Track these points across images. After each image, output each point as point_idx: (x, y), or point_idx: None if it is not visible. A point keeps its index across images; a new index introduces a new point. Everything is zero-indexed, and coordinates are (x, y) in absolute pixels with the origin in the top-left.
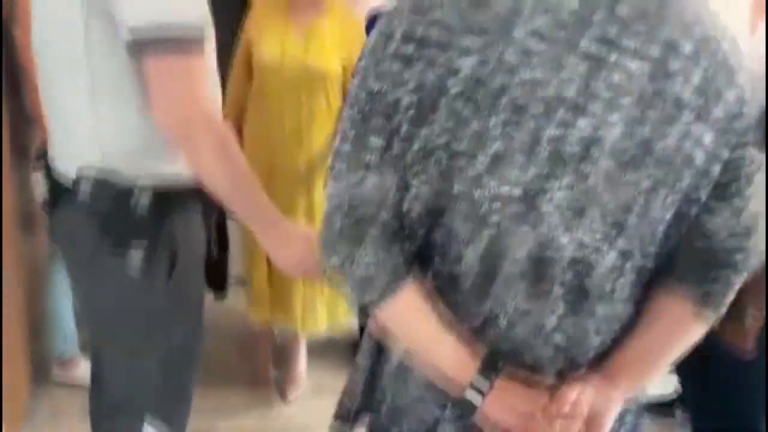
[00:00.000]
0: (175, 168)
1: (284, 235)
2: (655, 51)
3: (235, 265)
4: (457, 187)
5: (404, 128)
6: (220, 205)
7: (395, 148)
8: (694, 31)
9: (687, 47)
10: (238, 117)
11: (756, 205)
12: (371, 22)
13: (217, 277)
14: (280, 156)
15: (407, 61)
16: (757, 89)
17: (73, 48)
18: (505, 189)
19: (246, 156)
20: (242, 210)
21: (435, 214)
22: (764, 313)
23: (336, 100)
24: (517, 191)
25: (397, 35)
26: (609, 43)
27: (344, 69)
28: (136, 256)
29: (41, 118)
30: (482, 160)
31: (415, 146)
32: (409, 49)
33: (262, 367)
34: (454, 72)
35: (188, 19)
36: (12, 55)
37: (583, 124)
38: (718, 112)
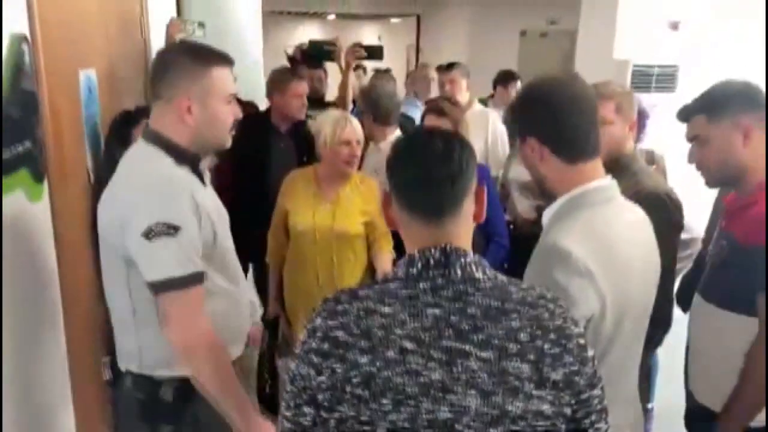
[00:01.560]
0: None
1: (258, 425)
2: (498, 341)
3: None
4: None
5: (326, 403)
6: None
7: (323, 414)
8: (530, 317)
9: (522, 334)
10: (278, 263)
11: None
12: None
13: (272, 405)
14: (317, 304)
15: (324, 355)
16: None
17: (120, 281)
18: None
19: (286, 301)
20: (228, 408)
21: None
22: None
23: (361, 252)
24: None
25: (318, 334)
26: (463, 338)
27: (366, 225)
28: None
29: None
30: (382, 426)
31: (336, 415)
32: (325, 346)
33: None
34: (355, 366)
35: (188, 269)
36: None
37: (451, 399)
38: (555, 376)
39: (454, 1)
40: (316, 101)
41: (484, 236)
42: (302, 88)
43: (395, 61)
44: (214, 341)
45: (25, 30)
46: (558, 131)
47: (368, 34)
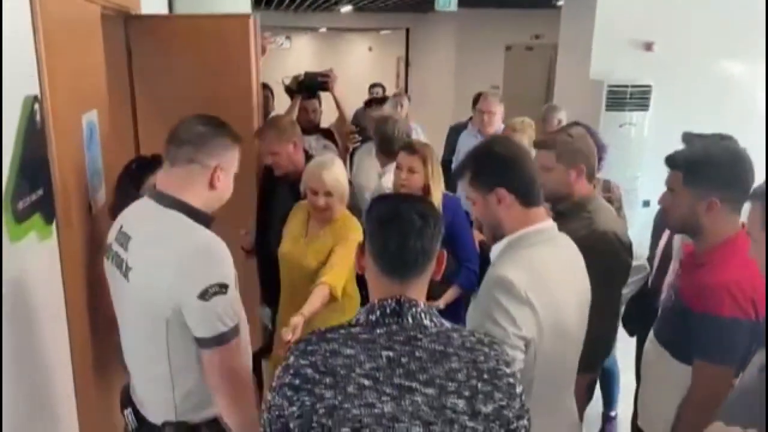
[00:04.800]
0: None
1: None
2: (440, 380)
3: None
4: None
5: (297, 430)
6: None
7: None
8: (467, 360)
9: (460, 374)
10: None
11: None
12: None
13: None
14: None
15: (295, 389)
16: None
17: (157, 340)
18: None
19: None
20: None
21: None
22: None
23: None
24: None
25: (291, 371)
26: (411, 377)
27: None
28: None
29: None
30: None
31: None
32: (296, 381)
33: None
34: (321, 399)
35: (233, 322)
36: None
37: (399, 428)
38: (486, 409)
39: (442, 16)
40: (311, 129)
41: (456, 260)
42: (268, 147)
43: (385, 72)
44: (248, 384)
45: (36, 90)
46: (522, 181)
47: (359, 46)
